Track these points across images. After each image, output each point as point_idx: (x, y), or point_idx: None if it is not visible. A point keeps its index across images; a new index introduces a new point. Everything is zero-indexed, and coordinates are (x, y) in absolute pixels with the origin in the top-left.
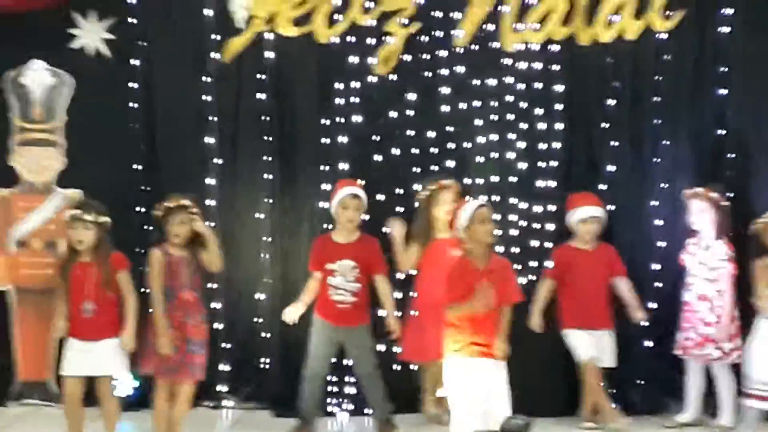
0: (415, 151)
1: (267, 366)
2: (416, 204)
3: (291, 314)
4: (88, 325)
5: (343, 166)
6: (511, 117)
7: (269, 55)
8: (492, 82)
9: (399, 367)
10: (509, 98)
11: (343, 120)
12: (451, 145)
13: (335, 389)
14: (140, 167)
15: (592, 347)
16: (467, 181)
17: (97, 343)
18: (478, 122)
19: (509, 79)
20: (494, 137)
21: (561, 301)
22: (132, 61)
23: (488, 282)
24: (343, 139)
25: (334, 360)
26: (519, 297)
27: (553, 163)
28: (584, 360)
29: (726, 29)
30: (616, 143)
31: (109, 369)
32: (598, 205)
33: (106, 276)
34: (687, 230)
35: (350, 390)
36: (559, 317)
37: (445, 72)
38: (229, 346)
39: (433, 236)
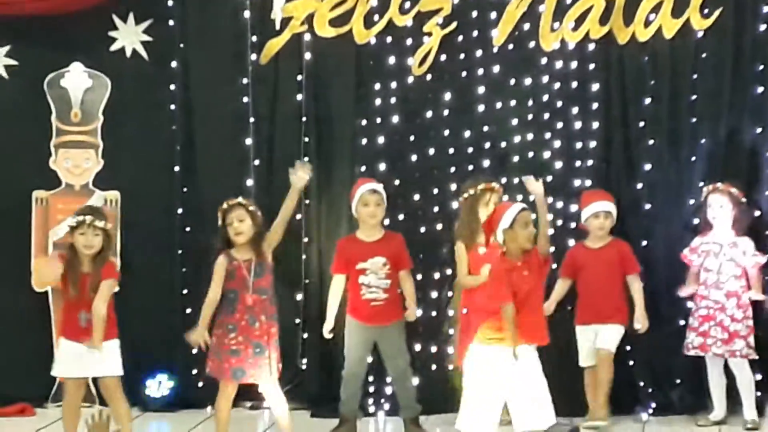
0: (451, 151)
1: (306, 367)
2: (457, 204)
3: (327, 329)
4: (85, 333)
5: (380, 166)
6: (547, 116)
7: (307, 56)
8: (528, 81)
9: (435, 367)
10: (545, 97)
11: (380, 120)
12: (486, 145)
13: (373, 389)
14: (178, 169)
15: (592, 350)
16: (503, 180)
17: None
18: (514, 122)
19: (545, 79)
20: (530, 136)
21: (577, 299)
22: (170, 63)
23: (527, 272)
24: (380, 139)
25: (370, 360)
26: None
27: (590, 162)
28: (582, 365)
29: (763, 26)
30: (653, 142)
31: (110, 369)
32: (607, 200)
33: (95, 284)
34: (703, 227)
35: (388, 390)
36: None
37: (481, 71)
38: None
39: (478, 239)
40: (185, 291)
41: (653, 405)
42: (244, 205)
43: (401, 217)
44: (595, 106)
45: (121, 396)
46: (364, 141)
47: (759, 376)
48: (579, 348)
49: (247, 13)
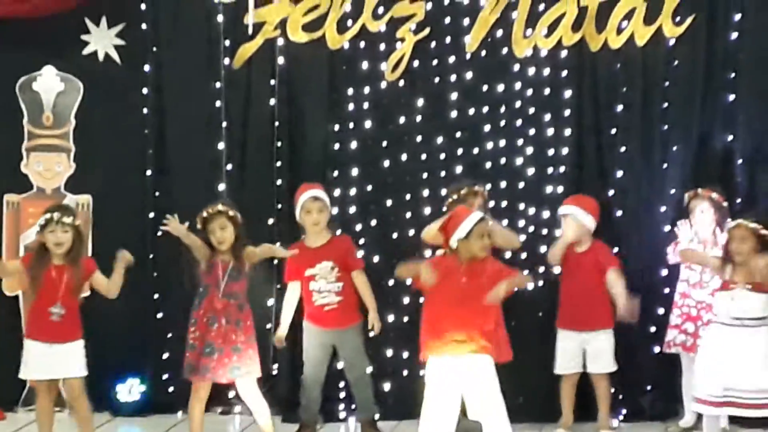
0: (423, 156)
1: (276, 372)
2: (445, 208)
3: (279, 338)
4: (56, 329)
5: (353, 171)
6: (519, 123)
7: (280, 60)
8: (501, 87)
9: (406, 372)
10: (518, 104)
11: (352, 125)
12: (459, 151)
13: (344, 395)
14: (150, 173)
15: (575, 362)
16: (476, 187)
17: (62, 346)
18: (487, 128)
19: (518, 85)
20: (503, 143)
21: (559, 302)
22: (143, 67)
23: (468, 279)
24: (352, 144)
25: (340, 366)
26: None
27: (562, 169)
28: (558, 372)
29: (735, 35)
30: (625, 149)
31: (76, 370)
32: (572, 203)
33: (77, 281)
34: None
35: None
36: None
37: (453, 78)
38: None
39: None
40: (156, 295)
41: (624, 411)
42: (224, 212)
43: (373, 222)
44: (567, 112)
45: (85, 399)
46: (337, 146)
47: None
48: (558, 353)
49: (220, 18)
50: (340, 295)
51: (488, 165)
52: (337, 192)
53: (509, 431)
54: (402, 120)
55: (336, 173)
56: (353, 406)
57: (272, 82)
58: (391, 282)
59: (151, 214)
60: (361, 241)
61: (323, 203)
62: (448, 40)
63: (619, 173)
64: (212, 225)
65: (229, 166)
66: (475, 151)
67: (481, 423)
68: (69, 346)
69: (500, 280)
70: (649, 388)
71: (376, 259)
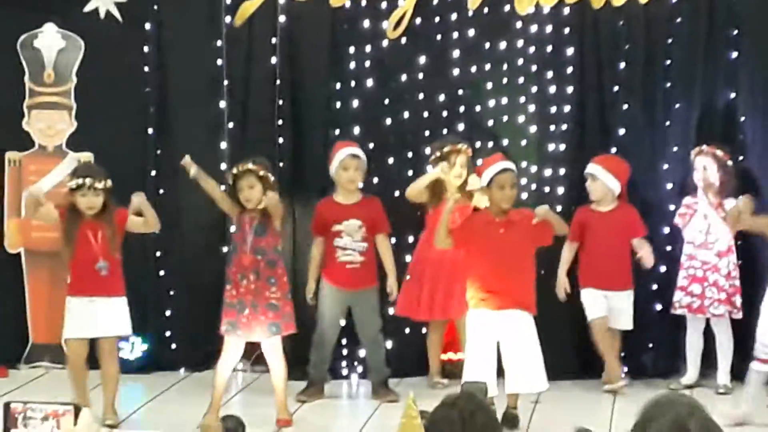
0: (425, 114)
1: None
2: (428, 165)
3: (310, 293)
4: (101, 283)
5: (354, 129)
6: (521, 80)
7: (281, 18)
8: (503, 45)
9: (408, 330)
10: (520, 61)
11: (354, 84)
12: (461, 109)
13: (346, 352)
14: (152, 131)
15: (603, 307)
16: (477, 144)
17: (105, 300)
18: (489, 85)
19: (520, 42)
20: (505, 101)
21: (580, 261)
22: (144, 25)
23: (505, 229)
24: (354, 103)
25: (343, 324)
26: (549, 240)
27: (564, 127)
28: (590, 319)
29: None
30: (628, 106)
31: (116, 329)
32: (597, 162)
33: (113, 236)
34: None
35: (361, 353)
36: (578, 277)
37: (455, 35)
38: None
39: (442, 199)
40: (158, 253)
41: (626, 369)
42: (254, 171)
43: (375, 180)
44: (569, 70)
45: (116, 357)
46: (339, 104)
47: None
48: (584, 304)
49: None
50: (363, 255)
51: (490, 123)
52: None
53: (545, 385)
54: (404, 78)
55: (338, 132)
56: (356, 363)
57: (273, 40)
58: (393, 240)
59: (153, 172)
60: None
61: (361, 162)
62: None
63: (622, 131)
64: (241, 183)
65: (231, 125)
66: (477, 108)
67: (517, 376)
68: (112, 301)
69: (534, 238)
70: (651, 345)
71: None
